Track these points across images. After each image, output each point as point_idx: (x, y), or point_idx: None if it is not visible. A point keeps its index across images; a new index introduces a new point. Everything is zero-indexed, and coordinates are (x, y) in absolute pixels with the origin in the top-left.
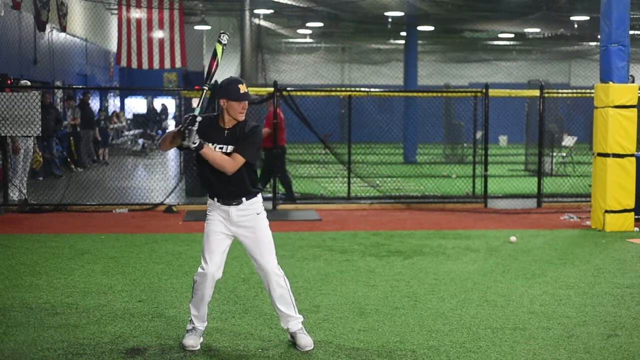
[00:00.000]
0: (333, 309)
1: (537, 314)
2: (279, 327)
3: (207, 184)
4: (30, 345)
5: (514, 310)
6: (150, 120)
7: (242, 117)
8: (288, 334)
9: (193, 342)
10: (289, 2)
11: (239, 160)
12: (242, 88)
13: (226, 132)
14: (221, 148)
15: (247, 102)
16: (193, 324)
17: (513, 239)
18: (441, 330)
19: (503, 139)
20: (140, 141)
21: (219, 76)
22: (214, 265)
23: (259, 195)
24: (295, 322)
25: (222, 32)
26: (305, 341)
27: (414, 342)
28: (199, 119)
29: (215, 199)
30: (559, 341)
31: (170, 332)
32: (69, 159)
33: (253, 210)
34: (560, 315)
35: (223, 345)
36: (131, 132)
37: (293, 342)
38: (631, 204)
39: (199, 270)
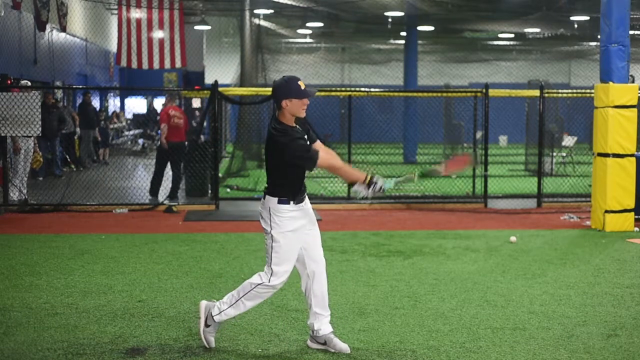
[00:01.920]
0: (333, 309)
1: (537, 314)
2: (279, 327)
3: (301, 186)
4: (30, 345)
5: (514, 310)
6: (150, 120)
7: (304, 114)
8: (312, 338)
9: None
10: (289, 2)
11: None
12: (302, 84)
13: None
14: None
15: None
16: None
17: (513, 239)
18: (441, 330)
19: (503, 139)
20: (140, 141)
21: (223, 76)
22: (287, 278)
23: None
24: (328, 323)
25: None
26: (342, 345)
27: (414, 342)
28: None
29: (297, 199)
30: (559, 341)
31: (170, 332)
32: (68, 159)
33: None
34: (560, 315)
35: (223, 345)
36: (131, 132)
37: (324, 347)
38: (631, 204)
39: (273, 282)
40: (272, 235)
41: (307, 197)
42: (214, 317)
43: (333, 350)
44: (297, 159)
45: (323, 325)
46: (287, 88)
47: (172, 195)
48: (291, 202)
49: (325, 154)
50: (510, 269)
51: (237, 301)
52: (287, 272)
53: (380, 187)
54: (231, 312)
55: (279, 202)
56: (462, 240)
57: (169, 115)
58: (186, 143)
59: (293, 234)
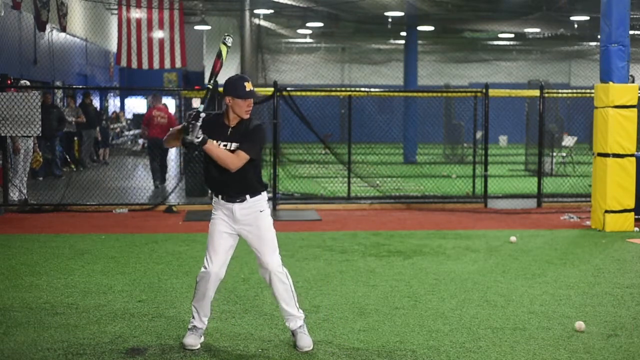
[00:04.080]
0: (333, 309)
1: (537, 314)
2: (279, 327)
3: (211, 182)
4: (30, 345)
5: (514, 310)
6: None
7: (247, 116)
8: (290, 332)
9: (193, 341)
10: (289, 2)
11: (243, 157)
12: (248, 86)
13: (230, 130)
14: (225, 145)
15: (252, 100)
16: (194, 323)
17: (513, 239)
18: (441, 330)
19: (503, 139)
20: (140, 141)
21: (222, 75)
22: (216, 264)
23: (264, 193)
24: (295, 320)
25: (226, 34)
26: (304, 342)
27: (414, 342)
28: (202, 115)
29: (220, 197)
30: (559, 341)
31: (170, 332)
32: (68, 159)
33: (257, 208)
34: (560, 315)
35: (223, 345)
36: (131, 132)
37: (294, 342)
38: (631, 204)
39: (202, 269)
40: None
41: (245, 203)
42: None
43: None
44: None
45: (290, 323)
46: (231, 86)
47: (161, 181)
48: (218, 196)
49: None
50: (510, 269)
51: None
52: (206, 257)
53: (192, 115)
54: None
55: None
56: (462, 240)
57: (152, 116)
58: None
59: (213, 223)
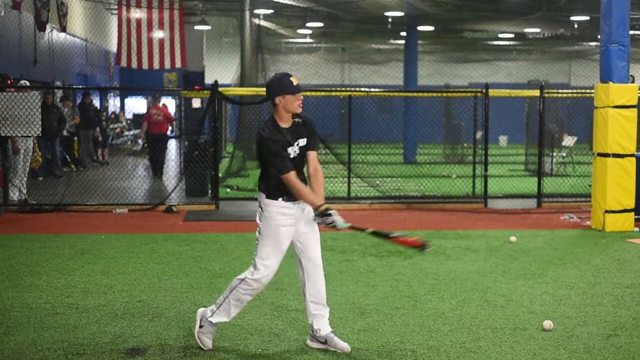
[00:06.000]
0: (333, 309)
1: (537, 314)
2: (280, 327)
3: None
4: (30, 345)
5: (514, 310)
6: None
7: (300, 110)
8: (312, 337)
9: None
10: (289, 2)
11: (315, 157)
12: (294, 80)
13: (288, 131)
14: (293, 148)
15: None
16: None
17: (513, 239)
18: (441, 330)
19: (503, 139)
20: (140, 141)
21: (223, 76)
22: (272, 273)
23: None
24: (327, 323)
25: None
26: (343, 345)
27: (414, 342)
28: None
29: (286, 198)
30: (559, 341)
31: (170, 332)
32: (68, 159)
33: None
34: (560, 315)
35: (223, 345)
36: (131, 132)
37: (324, 347)
38: (631, 204)
39: (256, 275)
40: (259, 229)
41: None
42: (208, 319)
43: (333, 350)
44: (270, 158)
45: (322, 324)
46: (279, 86)
47: (158, 173)
48: (280, 199)
49: (294, 178)
50: (510, 269)
51: (225, 299)
52: (270, 267)
53: (332, 222)
54: (222, 311)
55: (268, 197)
56: (462, 240)
57: (150, 114)
58: (168, 133)
59: (280, 230)
